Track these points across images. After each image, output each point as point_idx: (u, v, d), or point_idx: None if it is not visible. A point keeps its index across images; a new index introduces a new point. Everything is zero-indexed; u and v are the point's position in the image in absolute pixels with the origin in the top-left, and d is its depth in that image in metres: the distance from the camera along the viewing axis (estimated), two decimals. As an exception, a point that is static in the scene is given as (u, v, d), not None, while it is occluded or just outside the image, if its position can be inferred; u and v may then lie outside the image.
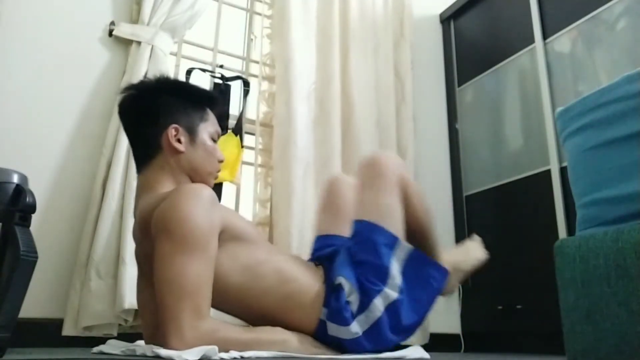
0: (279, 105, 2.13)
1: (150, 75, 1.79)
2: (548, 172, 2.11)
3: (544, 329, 1.95)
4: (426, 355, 1.23)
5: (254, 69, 2.23)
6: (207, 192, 1.07)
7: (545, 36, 2.24)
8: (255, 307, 1.15)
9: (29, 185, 1.04)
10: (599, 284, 0.93)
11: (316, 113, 2.20)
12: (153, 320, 1.10)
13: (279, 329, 1.13)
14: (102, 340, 1.34)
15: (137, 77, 1.77)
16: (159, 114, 1.18)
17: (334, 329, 1.15)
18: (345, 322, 1.14)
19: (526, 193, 2.23)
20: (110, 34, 1.89)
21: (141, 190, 1.18)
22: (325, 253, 1.34)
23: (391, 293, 1.18)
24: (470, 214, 2.50)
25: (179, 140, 1.18)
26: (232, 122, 2.03)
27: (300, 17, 2.26)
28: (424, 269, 1.24)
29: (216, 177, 1.28)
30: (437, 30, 2.88)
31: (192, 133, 1.20)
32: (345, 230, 1.35)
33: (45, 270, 1.53)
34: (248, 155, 2.11)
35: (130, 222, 1.59)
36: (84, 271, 1.60)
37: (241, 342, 1.03)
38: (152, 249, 1.04)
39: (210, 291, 1.02)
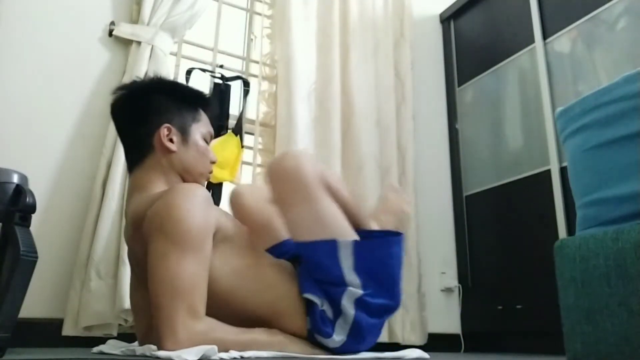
0: (281, 105, 2.13)
1: (150, 75, 1.80)
2: (548, 172, 2.11)
3: (544, 329, 1.95)
4: (425, 355, 1.23)
5: (254, 69, 2.23)
6: (202, 191, 1.07)
7: (545, 36, 2.24)
8: (245, 312, 1.13)
9: (29, 185, 1.04)
10: (599, 284, 0.93)
11: (316, 113, 2.20)
12: (146, 320, 1.10)
13: (275, 331, 1.12)
14: (102, 340, 1.34)
15: (142, 77, 1.77)
16: (151, 113, 1.18)
17: (321, 340, 1.15)
18: (328, 335, 1.14)
19: (526, 193, 2.23)
20: (110, 34, 1.89)
21: (132, 190, 1.18)
22: (289, 257, 1.28)
23: (355, 291, 1.16)
24: (470, 214, 2.50)
25: (171, 140, 1.17)
26: (232, 122, 2.03)
27: (301, 17, 2.26)
28: (374, 253, 1.20)
29: (208, 178, 1.27)
30: (437, 30, 2.88)
31: (184, 133, 1.20)
32: (276, 236, 1.28)
33: (45, 270, 1.53)
34: (248, 155, 2.10)
35: (130, 222, 1.59)
36: (84, 271, 1.60)
37: (238, 343, 1.02)
38: (144, 250, 1.03)
39: (205, 291, 1.01)
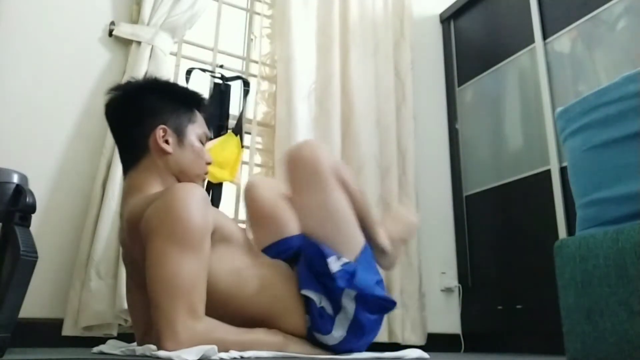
0: (279, 105, 2.13)
1: (145, 76, 1.80)
2: (548, 172, 2.11)
3: (544, 329, 1.95)
4: (425, 355, 1.23)
5: (254, 69, 2.23)
6: (200, 191, 1.06)
7: (545, 36, 2.24)
8: (243, 313, 1.13)
9: (29, 185, 1.04)
10: (599, 284, 0.93)
11: (316, 113, 2.20)
12: (144, 320, 1.10)
13: (275, 331, 1.12)
14: (102, 340, 1.34)
15: (137, 77, 1.77)
16: (146, 114, 1.17)
17: (320, 338, 1.15)
18: (327, 330, 1.14)
19: (526, 193, 2.23)
20: (110, 34, 1.89)
21: (128, 192, 1.16)
22: (289, 256, 1.27)
23: (350, 291, 1.16)
24: (470, 214, 2.50)
25: (166, 141, 1.16)
26: (232, 122, 2.03)
27: (301, 17, 2.26)
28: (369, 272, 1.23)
29: (204, 179, 1.27)
30: (437, 30, 2.88)
31: (180, 134, 1.19)
32: (285, 230, 1.28)
33: (45, 270, 1.53)
34: (247, 155, 2.10)
35: (130, 222, 1.59)
36: (84, 271, 1.60)
37: (238, 343, 1.02)
38: (141, 251, 1.02)
39: (204, 290, 1.01)
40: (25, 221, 0.99)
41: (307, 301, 1.16)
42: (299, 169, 1.22)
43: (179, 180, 1.18)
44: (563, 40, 2.17)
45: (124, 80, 1.79)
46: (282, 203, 1.29)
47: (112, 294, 1.59)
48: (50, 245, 1.61)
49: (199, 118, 1.25)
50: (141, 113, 1.17)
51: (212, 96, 2.02)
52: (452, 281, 2.42)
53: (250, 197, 1.35)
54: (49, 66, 1.77)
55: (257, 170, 2.12)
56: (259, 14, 2.33)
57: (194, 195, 1.04)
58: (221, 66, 2.12)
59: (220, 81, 2.05)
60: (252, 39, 2.31)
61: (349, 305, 1.15)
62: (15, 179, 1.01)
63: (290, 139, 2.06)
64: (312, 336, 1.16)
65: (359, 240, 1.26)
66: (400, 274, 2.19)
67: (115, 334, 1.59)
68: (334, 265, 1.16)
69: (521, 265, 2.16)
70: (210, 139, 1.92)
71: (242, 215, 1.98)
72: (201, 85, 2.05)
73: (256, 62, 2.25)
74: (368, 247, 1.28)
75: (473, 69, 2.65)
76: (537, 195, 2.15)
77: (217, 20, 2.19)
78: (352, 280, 1.15)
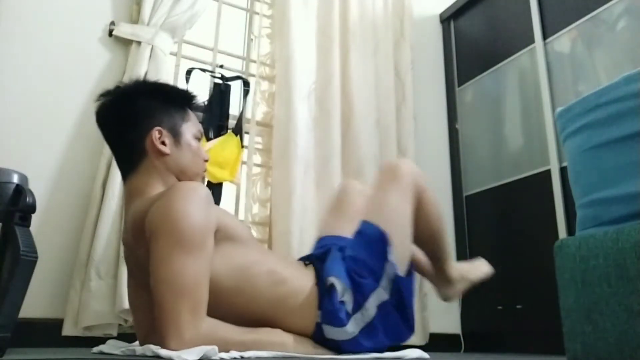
0: (279, 105, 2.13)
1: (150, 76, 1.80)
2: (548, 172, 2.11)
3: (544, 329, 1.95)
4: (425, 355, 1.23)
5: (254, 69, 2.23)
6: (202, 189, 1.06)
7: (545, 36, 2.24)
8: (250, 312, 1.13)
9: (29, 185, 1.04)
10: (599, 284, 0.93)
11: (316, 113, 2.20)
12: (147, 320, 1.10)
13: (278, 331, 1.12)
14: (102, 340, 1.34)
15: (137, 77, 1.77)
16: (140, 117, 1.16)
17: (330, 332, 1.14)
18: (341, 323, 1.13)
19: (526, 193, 2.23)
20: (110, 34, 1.89)
21: (131, 196, 1.16)
22: (317, 253, 1.32)
23: (383, 293, 1.18)
24: (470, 214, 2.50)
25: (163, 143, 1.16)
26: (232, 122, 2.03)
27: (301, 17, 2.26)
28: (410, 286, 1.26)
29: (203, 177, 1.27)
30: (437, 30, 2.88)
31: (176, 135, 1.18)
32: (347, 232, 1.35)
33: (45, 270, 1.53)
34: (246, 155, 2.10)
35: (130, 222, 1.59)
36: (84, 271, 1.60)
37: (240, 343, 1.02)
38: (146, 251, 1.02)
39: (207, 290, 1.01)
40: (25, 221, 0.99)
41: (321, 296, 1.17)
42: (385, 173, 1.35)
43: (180, 180, 1.18)
44: (563, 40, 2.17)
45: (124, 80, 1.80)
46: (359, 210, 1.38)
47: (112, 294, 1.59)
48: (50, 245, 1.61)
49: (192, 116, 1.25)
50: (135, 116, 1.16)
51: (212, 96, 2.03)
52: (452, 281, 2.42)
53: (342, 192, 1.51)
54: (49, 66, 1.77)
55: (256, 170, 2.12)
56: (258, 13, 2.33)
57: (196, 195, 1.04)
58: (221, 66, 2.12)
59: (220, 81, 2.05)
60: (252, 39, 2.31)
61: (371, 308, 1.16)
62: (15, 179, 1.02)
63: (289, 139, 2.06)
64: (320, 333, 1.15)
65: (406, 260, 1.28)
66: (400, 274, 2.18)
67: (115, 334, 1.59)
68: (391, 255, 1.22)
69: (521, 265, 2.16)
70: (210, 139, 1.93)
71: (242, 215, 1.99)
72: (201, 85, 2.06)
73: (256, 62, 2.25)
74: (412, 274, 1.30)
75: (473, 69, 2.65)
76: (537, 195, 2.15)
77: (217, 20, 2.19)
78: (397, 282, 1.20)
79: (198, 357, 0.90)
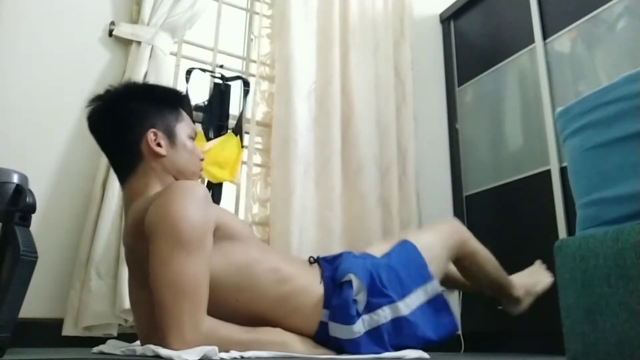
0: (279, 105, 2.13)
1: (150, 76, 1.79)
2: (548, 172, 2.11)
3: (544, 329, 1.95)
4: (425, 355, 1.23)
5: (254, 68, 2.22)
6: (200, 189, 1.06)
7: (545, 36, 2.24)
8: (252, 310, 1.13)
9: (29, 185, 1.04)
10: (599, 284, 0.93)
11: (316, 113, 2.20)
12: (148, 320, 1.10)
13: (279, 330, 1.12)
14: (102, 340, 1.34)
15: (137, 77, 1.77)
16: (133, 120, 1.16)
17: (335, 329, 1.14)
18: (349, 321, 1.13)
19: (526, 193, 2.23)
20: (110, 34, 1.88)
21: (130, 199, 1.16)
22: (328, 256, 1.33)
23: (403, 308, 1.19)
24: (470, 214, 2.50)
25: (159, 144, 1.16)
26: (232, 122, 2.03)
27: (301, 16, 2.26)
28: (441, 315, 1.28)
29: (200, 176, 1.27)
30: (437, 30, 2.88)
31: (170, 135, 1.18)
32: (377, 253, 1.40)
33: (45, 270, 1.53)
34: (246, 155, 2.10)
35: (130, 222, 1.59)
36: (84, 271, 1.60)
37: (241, 342, 1.02)
38: (145, 251, 1.02)
39: (207, 290, 1.01)
40: (25, 221, 0.99)
41: (327, 294, 1.17)
42: (442, 221, 1.56)
43: (177, 180, 1.18)
44: (563, 40, 2.17)
45: (124, 81, 1.80)
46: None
47: (112, 294, 1.59)
48: (50, 245, 1.61)
49: (185, 116, 1.25)
50: (128, 120, 1.16)
51: (212, 96, 2.02)
52: (452, 281, 2.42)
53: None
54: (49, 66, 1.77)
55: (256, 170, 2.12)
56: (258, 13, 2.33)
57: (193, 194, 1.04)
58: (221, 66, 2.12)
59: (220, 81, 2.05)
60: (252, 39, 2.31)
61: (384, 316, 1.17)
62: (15, 179, 1.01)
63: (289, 138, 2.06)
64: (323, 332, 1.15)
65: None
66: (400, 274, 2.18)
67: (115, 334, 1.59)
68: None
69: (521, 265, 2.15)
70: (210, 139, 1.93)
71: (242, 214, 1.99)
72: (201, 85, 2.06)
73: (256, 62, 2.25)
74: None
75: (473, 69, 2.65)
76: (537, 195, 2.15)
77: (217, 20, 2.19)
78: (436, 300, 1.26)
79: (198, 358, 0.90)
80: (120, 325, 1.61)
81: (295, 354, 1.08)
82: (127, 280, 1.56)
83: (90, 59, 1.85)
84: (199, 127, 1.93)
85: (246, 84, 2.13)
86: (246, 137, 2.07)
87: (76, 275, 1.60)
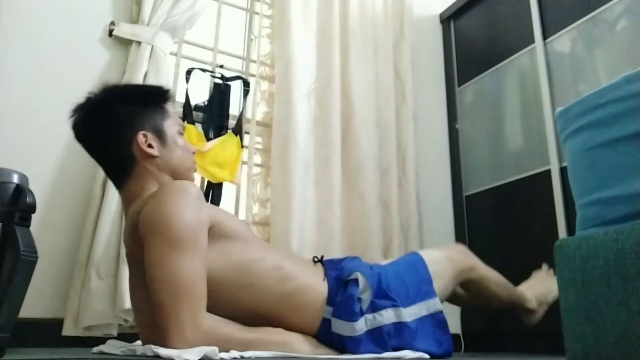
0: (279, 105, 2.13)
1: (150, 76, 1.79)
2: (548, 172, 2.11)
3: (544, 329, 1.95)
4: (425, 355, 1.23)
5: (254, 68, 2.22)
6: (193, 188, 1.06)
7: (545, 36, 2.24)
8: (253, 308, 1.13)
9: (29, 185, 1.04)
10: (599, 284, 0.93)
11: (316, 113, 2.20)
12: (149, 320, 1.10)
13: (280, 330, 1.12)
14: (102, 340, 1.34)
15: (137, 77, 1.77)
16: (121, 125, 1.15)
17: (337, 326, 1.14)
18: (352, 317, 1.13)
19: (526, 193, 2.23)
20: (110, 34, 1.88)
21: (129, 202, 1.16)
22: (333, 258, 1.34)
23: (405, 315, 1.20)
24: (470, 214, 2.50)
25: (150, 146, 1.15)
26: (232, 122, 2.03)
27: (301, 16, 2.26)
28: (439, 333, 1.27)
29: (195, 170, 1.27)
30: (437, 30, 2.88)
31: (160, 135, 1.18)
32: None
33: (45, 270, 1.53)
34: (246, 155, 2.10)
35: (130, 222, 1.59)
36: (84, 271, 1.60)
37: (242, 341, 1.02)
38: (142, 251, 1.02)
39: (205, 288, 1.01)
40: (25, 221, 0.99)
41: (332, 291, 1.17)
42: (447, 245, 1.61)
43: (174, 177, 1.18)
44: (563, 40, 2.17)
45: (124, 80, 1.80)
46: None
47: (112, 294, 1.59)
48: (50, 245, 1.61)
49: (171, 111, 1.24)
50: (115, 126, 1.15)
51: (212, 96, 2.03)
52: (452, 281, 2.42)
53: None
54: (49, 66, 1.77)
55: (256, 170, 2.12)
56: (258, 13, 2.33)
57: (185, 193, 1.04)
58: (221, 66, 2.12)
59: (220, 81, 2.05)
60: (252, 39, 2.31)
61: (387, 318, 1.18)
62: (15, 179, 1.01)
63: (289, 138, 2.06)
64: (325, 328, 1.15)
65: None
66: (400, 274, 2.18)
67: (115, 334, 1.59)
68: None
69: (521, 265, 2.16)
70: (210, 139, 1.93)
71: (242, 215, 1.99)
72: (201, 85, 2.06)
73: (256, 62, 2.25)
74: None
75: (473, 69, 2.65)
76: (537, 195, 2.15)
77: (217, 20, 2.19)
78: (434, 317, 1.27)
79: (198, 358, 0.90)
80: (120, 325, 1.61)
81: (296, 355, 1.08)
82: (126, 280, 1.56)
83: (90, 59, 1.85)
84: (198, 126, 1.93)
85: (246, 84, 2.13)
86: (246, 137, 2.07)
87: (76, 275, 1.60)
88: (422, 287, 1.28)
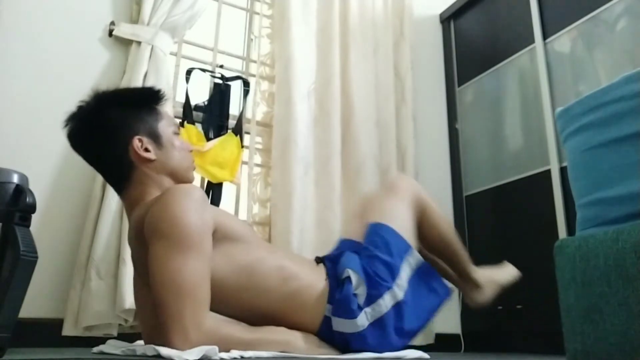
0: (279, 105, 2.13)
1: (150, 76, 1.79)
2: (548, 172, 2.11)
3: (544, 329, 1.95)
4: (425, 355, 1.23)
5: (254, 68, 2.22)
6: (197, 191, 1.07)
7: (545, 36, 2.24)
8: (256, 308, 1.14)
9: (29, 185, 1.04)
10: (599, 284, 0.93)
11: (316, 113, 2.20)
12: (152, 320, 1.10)
13: (282, 329, 1.13)
14: (102, 340, 1.34)
15: (137, 77, 1.77)
16: (116, 132, 1.14)
17: (339, 324, 1.15)
18: (352, 315, 1.14)
19: (526, 193, 2.23)
20: (110, 34, 1.88)
21: (131, 207, 1.16)
22: (331, 255, 1.34)
23: (398, 292, 1.20)
24: (470, 214, 2.50)
25: (146, 149, 1.15)
26: (232, 122, 2.03)
27: (300, 16, 2.26)
28: (430, 281, 1.29)
29: (194, 169, 1.27)
30: (437, 30, 2.88)
31: (155, 138, 1.17)
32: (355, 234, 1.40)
33: (45, 270, 1.53)
34: (247, 155, 2.10)
35: (130, 222, 1.59)
36: (84, 271, 1.60)
37: (244, 341, 1.03)
38: (146, 254, 1.03)
39: (208, 289, 1.02)
40: (25, 221, 0.99)
41: (332, 290, 1.17)
42: (386, 187, 1.47)
43: (174, 180, 1.18)
44: (563, 40, 2.17)
45: (124, 80, 1.80)
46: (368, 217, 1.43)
47: (112, 294, 1.59)
48: (50, 245, 1.61)
49: (164, 112, 1.24)
50: (110, 132, 1.15)
51: (212, 96, 2.03)
52: (452, 281, 2.42)
53: (367, 199, 1.55)
54: (49, 66, 1.77)
55: (256, 170, 2.12)
56: (258, 13, 2.33)
57: (190, 197, 1.04)
58: (221, 66, 2.12)
59: (220, 81, 2.05)
60: (252, 39, 2.31)
61: (385, 305, 1.18)
62: (15, 179, 1.01)
63: (289, 139, 2.06)
64: (327, 326, 1.16)
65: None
66: (400, 274, 2.18)
67: (115, 334, 1.59)
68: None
69: (521, 265, 2.16)
70: (210, 139, 1.93)
71: (243, 215, 1.99)
72: (201, 85, 2.06)
73: (256, 62, 2.25)
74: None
75: (473, 69, 2.65)
76: (537, 195, 2.15)
77: (217, 20, 2.19)
78: (413, 280, 1.25)
79: (198, 357, 0.90)
80: (120, 325, 1.61)
81: (296, 355, 1.09)
82: (126, 280, 1.56)
83: (90, 59, 1.85)
84: (198, 126, 1.93)
85: (246, 84, 2.13)
86: (246, 137, 2.08)
87: (76, 275, 1.60)
88: (397, 250, 1.27)
